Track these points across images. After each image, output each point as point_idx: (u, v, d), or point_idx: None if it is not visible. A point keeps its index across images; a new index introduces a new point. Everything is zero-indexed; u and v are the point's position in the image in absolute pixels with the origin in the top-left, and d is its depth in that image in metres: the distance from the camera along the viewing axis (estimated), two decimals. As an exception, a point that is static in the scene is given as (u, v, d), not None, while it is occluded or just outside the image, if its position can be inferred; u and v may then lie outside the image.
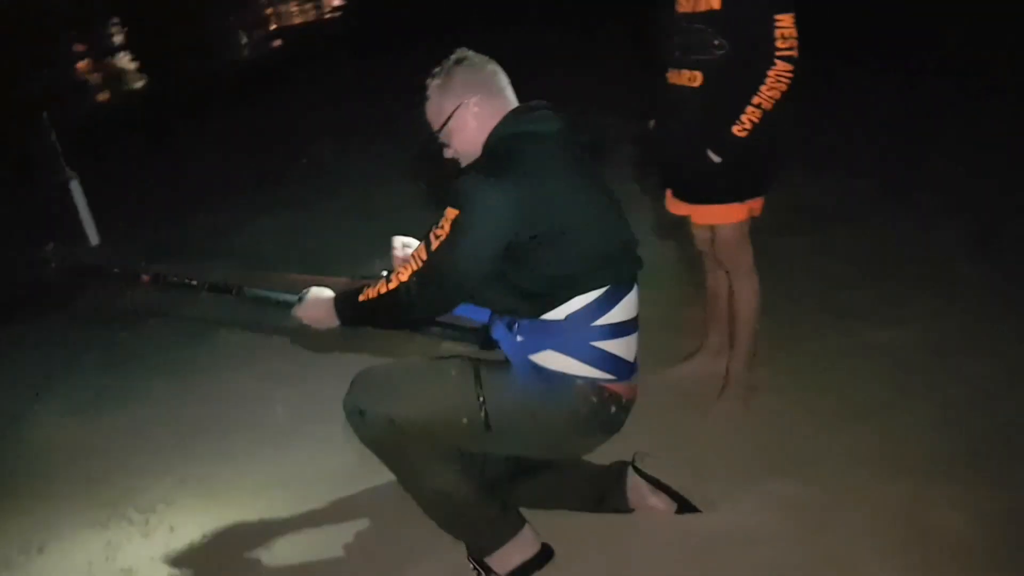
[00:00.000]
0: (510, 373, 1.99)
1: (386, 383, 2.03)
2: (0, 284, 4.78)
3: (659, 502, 2.34)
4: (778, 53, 2.46)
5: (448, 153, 2.05)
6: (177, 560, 2.39)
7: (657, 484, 2.36)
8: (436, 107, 2.00)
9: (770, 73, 2.46)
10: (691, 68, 2.58)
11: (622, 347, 1.99)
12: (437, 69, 2.00)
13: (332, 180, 6.35)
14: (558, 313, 1.92)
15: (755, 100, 2.49)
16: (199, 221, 5.67)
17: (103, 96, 10.96)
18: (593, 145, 2.05)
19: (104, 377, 3.57)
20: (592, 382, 1.97)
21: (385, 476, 2.16)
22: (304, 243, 5.08)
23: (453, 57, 2.01)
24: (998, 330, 3.13)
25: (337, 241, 5.02)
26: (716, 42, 2.52)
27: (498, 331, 2.03)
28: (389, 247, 2.20)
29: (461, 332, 2.15)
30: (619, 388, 2.02)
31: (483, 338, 2.10)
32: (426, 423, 1.96)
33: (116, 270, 2.75)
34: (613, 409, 2.03)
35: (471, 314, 2.13)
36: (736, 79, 2.51)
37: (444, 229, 1.83)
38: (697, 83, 2.57)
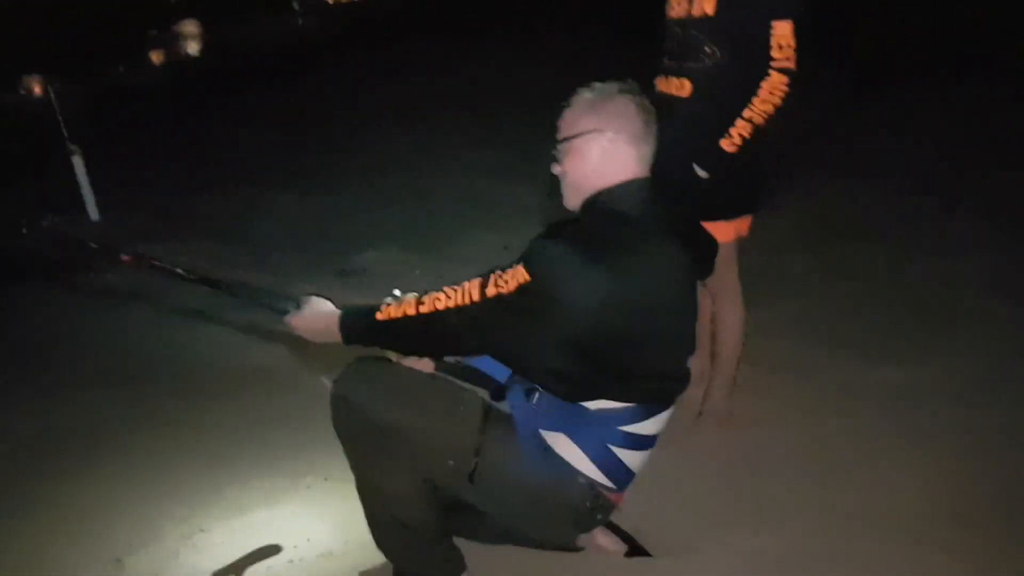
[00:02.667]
0: (515, 438, 1.83)
1: (385, 383, 1.87)
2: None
3: (609, 543, 2.17)
4: (773, 63, 2.26)
5: (556, 169, 1.85)
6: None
7: (608, 524, 2.18)
8: (574, 118, 1.81)
9: (763, 84, 2.27)
10: (680, 76, 2.41)
11: (636, 460, 1.85)
12: (599, 84, 1.82)
13: (359, 163, 6.30)
14: (587, 403, 1.77)
15: (746, 113, 2.29)
16: (213, 202, 5.63)
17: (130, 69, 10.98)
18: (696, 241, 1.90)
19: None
20: (594, 485, 1.82)
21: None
22: (314, 228, 5.05)
23: (619, 84, 1.82)
24: (1015, 382, 2.87)
25: (349, 227, 4.98)
26: (708, 50, 2.33)
27: (515, 394, 1.86)
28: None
29: (476, 376, 2.01)
30: (614, 497, 1.89)
31: (496, 392, 1.97)
32: (412, 445, 1.81)
33: (94, 245, 2.62)
34: (599, 516, 1.91)
35: (489, 367, 1.98)
36: (727, 90, 2.32)
37: (509, 285, 1.64)
38: (686, 92, 2.39)
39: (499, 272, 1.67)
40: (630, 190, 1.77)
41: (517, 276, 1.64)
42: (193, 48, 13.42)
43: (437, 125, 6.87)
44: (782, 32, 2.23)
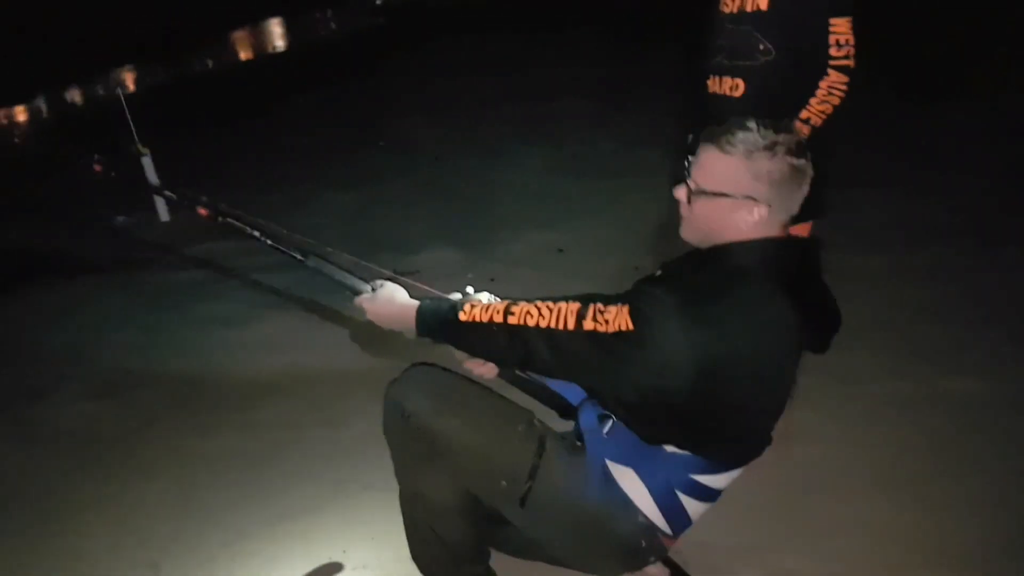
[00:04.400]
0: (575, 463, 1.75)
1: (444, 393, 1.80)
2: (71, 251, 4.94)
3: (652, 568, 2.06)
4: (832, 62, 2.14)
5: (680, 195, 1.66)
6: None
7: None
8: (727, 170, 1.58)
9: (822, 84, 2.15)
10: (733, 75, 2.30)
11: (698, 510, 1.74)
12: (761, 135, 1.56)
13: (408, 158, 6.29)
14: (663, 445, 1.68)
15: (803, 114, 2.18)
16: (274, 202, 5.64)
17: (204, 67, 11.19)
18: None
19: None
20: (652, 528, 1.72)
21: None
22: (370, 228, 5.02)
23: (786, 140, 1.56)
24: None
25: (404, 226, 4.95)
26: (762, 47, 2.22)
27: (587, 417, 1.78)
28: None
29: (542, 391, 1.94)
30: (669, 543, 1.79)
31: (565, 410, 1.91)
32: (463, 461, 1.75)
33: (169, 193, 2.53)
34: (652, 559, 1.82)
35: (558, 385, 1.92)
36: (783, 90, 2.20)
37: (609, 326, 1.51)
38: (739, 93, 2.28)
39: (600, 306, 1.54)
40: (763, 249, 1.59)
41: (620, 319, 1.51)
42: (279, 46, 13.63)
43: (493, 121, 6.83)
44: (841, 29, 2.12)
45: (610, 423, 1.73)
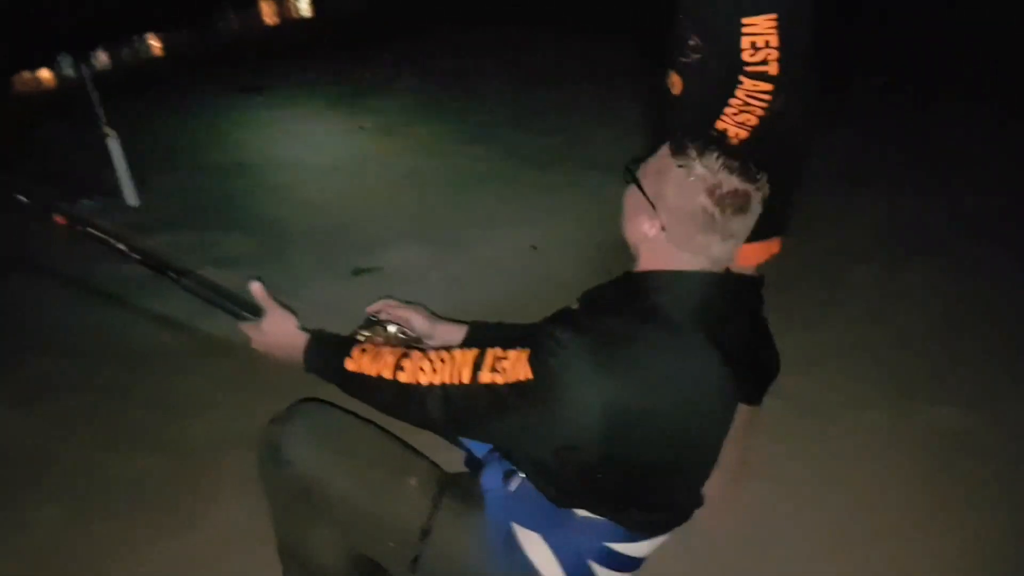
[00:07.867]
0: (475, 524, 1.54)
1: (328, 438, 1.61)
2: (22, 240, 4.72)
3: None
4: (746, 68, 1.82)
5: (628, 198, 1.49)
6: None
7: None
8: (656, 166, 1.43)
9: (738, 93, 1.84)
10: (673, 70, 2.03)
11: None
12: (701, 156, 1.36)
13: (391, 143, 6.01)
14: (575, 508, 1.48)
15: (719, 125, 1.88)
16: (244, 187, 5.41)
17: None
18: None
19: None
20: None
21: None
22: (332, 217, 4.75)
23: (729, 163, 1.36)
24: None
25: (371, 219, 4.68)
26: (692, 42, 1.94)
27: (491, 474, 1.57)
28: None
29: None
30: None
31: (471, 462, 1.71)
32: (350, 517, 1.57)
33: (20, 197, 2.25)
34: None
35: (468, 440, 1.72)
36: (715, 90, 1.90)
37: (507, 375, 1.33)
38: (677, 91, 2.02)
39: (499, 352, 1.35)
40: (688, 286, 1.39)
41: (518, 368, 1.32)
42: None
43: (489, 106, 6.58)
44: (756, 30, 1.78)
45: (517, 480, 1.52)
